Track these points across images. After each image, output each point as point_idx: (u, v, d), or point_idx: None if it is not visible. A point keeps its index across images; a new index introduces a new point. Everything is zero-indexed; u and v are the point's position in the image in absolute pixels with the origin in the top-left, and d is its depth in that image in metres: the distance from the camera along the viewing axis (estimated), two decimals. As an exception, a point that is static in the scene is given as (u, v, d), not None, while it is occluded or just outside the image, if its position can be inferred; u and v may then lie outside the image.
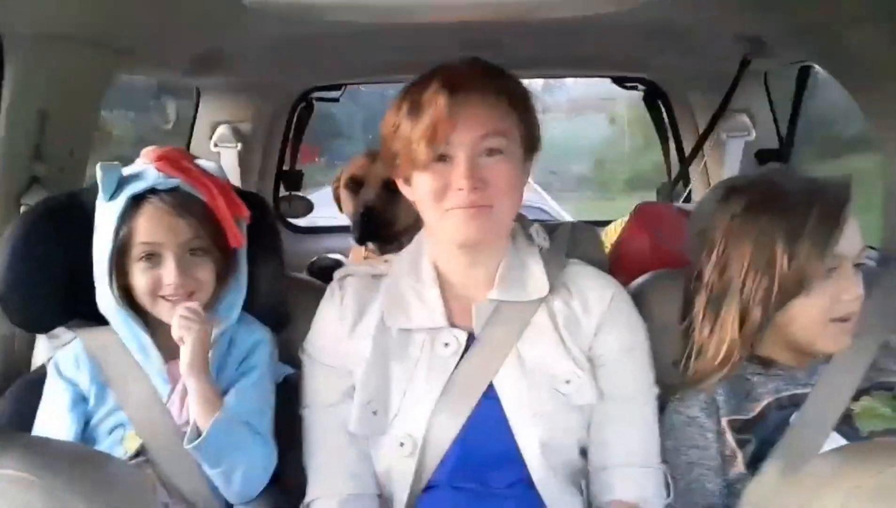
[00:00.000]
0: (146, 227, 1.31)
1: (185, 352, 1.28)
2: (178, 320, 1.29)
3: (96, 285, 1.35)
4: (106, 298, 1.34)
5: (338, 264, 2.15)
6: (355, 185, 2.14)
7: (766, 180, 1.38)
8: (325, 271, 2.20)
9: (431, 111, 1.22)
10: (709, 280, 1.36)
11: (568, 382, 1.28)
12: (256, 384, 1.38)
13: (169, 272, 1.31)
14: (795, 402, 1.32)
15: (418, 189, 1.28)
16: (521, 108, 1.29)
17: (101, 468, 0.70)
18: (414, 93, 1.27)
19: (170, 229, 1.31)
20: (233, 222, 1.38)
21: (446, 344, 1.30)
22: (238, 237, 1.39)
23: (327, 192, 2.51)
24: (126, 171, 1.35)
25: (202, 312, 1.31)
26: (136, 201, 1.31)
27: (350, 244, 2.34)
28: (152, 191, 1.32)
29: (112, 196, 1.32)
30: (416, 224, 2.07)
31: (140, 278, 1.32)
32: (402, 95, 1.29)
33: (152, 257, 1.32)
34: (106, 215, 1.33)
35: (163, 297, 1.33)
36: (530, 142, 1.32)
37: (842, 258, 1.29)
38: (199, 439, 1.25)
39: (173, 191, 1.33)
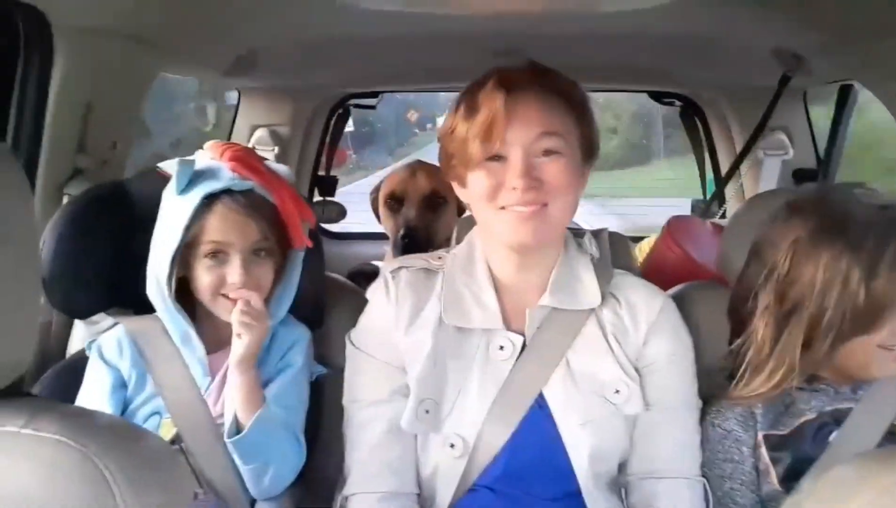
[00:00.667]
0: (217, 226, 1.32)
1: (241, 347, 1.29)
2: (239, 316, 1.29)
3: (149, 274, 1.36)
4: (158, 288, 1.35)
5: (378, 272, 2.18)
6: (395, 202, 2.15)
7: (830, 202, 1.32)
8: (366, 278, 2.24)
9: (487, 109, 1.21)
10: (769, 302, 1.31)
11: (617, 391, 1.27)
12: (293, 381, 1.39)
13: (234, 272, 1.32)
14: (837, 418, 1.29)
15: (472, 188, 1.27)
16: (580, 110, 1.28)
17: (138, 439, 0.72)
18: (470, 94, 1.26)
19: (240, 229, 1.32)
20: (300, 225, 1.39)
21: (501, 347, 1.29)
22: (304, 239, 1.40)
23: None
24: (198, 166, 1.35)
25: (264, 309, 1.32)
26: (209, 198, 1.32)
27: (382, 251, 2.35)
28: (226, 190, 1.33)
29: (183, 193, 1.33)
30: (448, 233, 2.09)
31: (204, 276, 1.33)
32: (459, 97, 1.29)
33: (218, 256, 1.33)
34: (175, 209, 1.33)
35: (224, 295, 1.34)
36: (588, 146, 1.30)
37: None
38: (240, 434, 1.26)
39: (246, 192, 1.34)
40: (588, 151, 1.30)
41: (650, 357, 1.31)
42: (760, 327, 1.31)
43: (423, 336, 1.31)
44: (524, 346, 1.29)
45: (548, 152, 1.23)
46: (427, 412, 1.27)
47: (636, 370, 1.30)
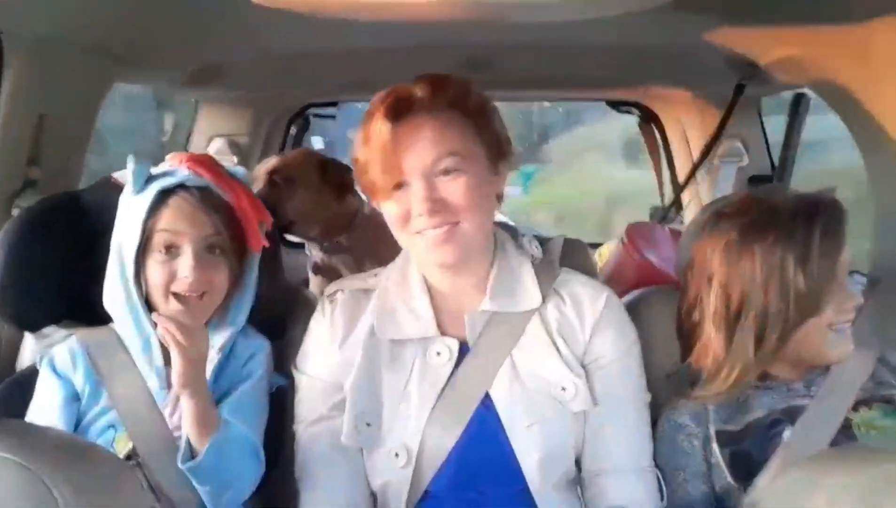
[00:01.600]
0: (169, 218, 1.31)
1: (176, 368, 1.24)
2: (162, 330, 1.24)
3: (108, 280, 1.34)
4: (118, 293, 1.33)
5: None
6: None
7: (754, 201, 1.38)
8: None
9: (378, 142, 1.23)
10: (715, 307, 1.35)
11: (564, 389, 1.28)
12: (252, 393, 1.37)
13: (185, 266, 1.31)
14: (791, 415, 1.32)
15: (386, 215, 1.29)
16: (479, 117, 1.28)
17: (90, 457, 0.70)
18: (365, 122, 1.27)
19: (192, 221, 1.32)
20: (256, 225, 1.39)
21: (438, 353, 1.30)
22: (260, 240, 1.40)
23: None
24: (155, 170, 1.36)
25: (191, 322, 1.27)
26: (164, 195, 1.32)
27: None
28: (181, 186, 1.33)
29: (140, 191, 1.33)
30: (329, 220, 2.08)
31: (156, 270, 1.32)
32: (362, 121, 1.29)
33: (171, 250, 1.32)
34: (133, 207, 1.33)
35: (175, 295, 1.32)
36: (496, 149, 1.30)
37: (842, 268, 1.31)
38: (194, 461, 1.23)
39: (201, 188, 1.35)
40: (496, 153, 1.30)
41: (596, 353, 1.32)
42: (712, 333, 1.35)
43: (356, 352, 1.32)
44: (462, 350, 1.30)
45: (447, 172, 1.23)
46: (368, 425, 1.28)
47: (583, 366, 1.31)
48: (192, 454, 1.25)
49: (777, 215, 1.31)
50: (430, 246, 1.25)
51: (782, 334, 1.30)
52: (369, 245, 1.94)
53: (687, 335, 1.42)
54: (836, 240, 1.29)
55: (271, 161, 2.11)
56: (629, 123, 3.23)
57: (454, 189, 1.23)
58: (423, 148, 1.22)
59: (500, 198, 1.35)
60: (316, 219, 2.11)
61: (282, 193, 2.05)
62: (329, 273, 2.19)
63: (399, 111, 1.23)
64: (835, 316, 1.31)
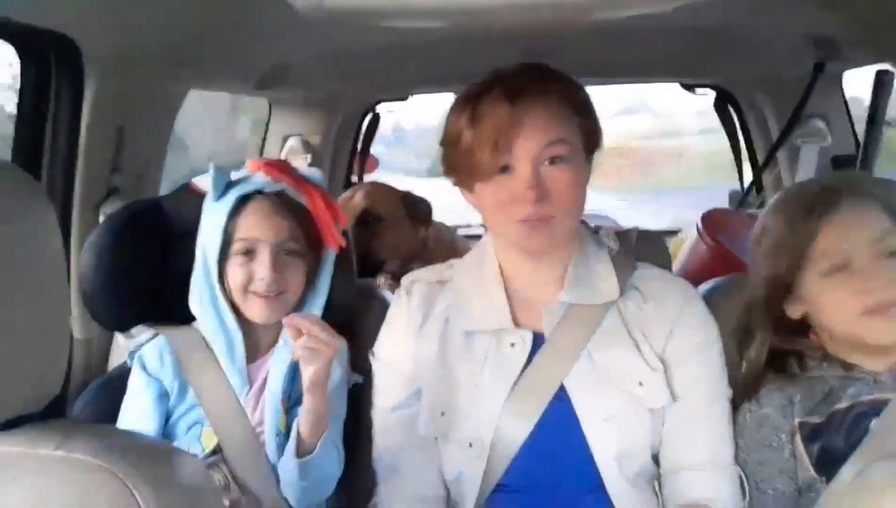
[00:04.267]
0: (248, 223, 1.37)
1: (309, 375, 1.29)
2: (304, 341, 1.28)
3: (193, 282, 1.41)
4: (204, 295, 1.39)
5: None
6: None
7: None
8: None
9: (493, 121, 1.21)
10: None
11: (641, 384, 1.25)
12: (333, 392, 1.39)
13: (262, 267, 1.36)
14: (877, 407, 1.26)
15: (482, 198, 1.27)
16: (582, 110, 1.28)
17: (170, 459, 0.72)
18: (474, 101, 1.25)
19: (269, 226, 1.37)
20: (332, 224, 1.44)
21: (512, 344, 1.29)
22: (338, 237, 1.45)
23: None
24: (234, 176, 1.42)
25: (329, 336, 1.30)
26: (243, 201, 1.38)
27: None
28: (259, 192, 1.39)
29: (219, 198, 1.39)
30: (407, 252, 2.09)
31: (235, 272, 1.37)
32: (461, 102, 1.27)
33: (249, 253, 1.37)
34: (214, 214, 1.39)
35: (254, 293, 1.37)
36: (591, 143, 1.30)
37: None
38: (309, 457, 1.28)
39: (278, 194, 1.40)
40: (591, 145, 1.30)
41: (676, 348, 1.29)
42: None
43: (431, 343, 1.32)
44: (536, 342, 1.29)
45: (554, 160, 1.22)
46: (443, 414, 1.28)
47: (662, 361, 1.28)
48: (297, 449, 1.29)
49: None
50: (525, 232, 1.24)
51: None
52: None
53: (779, 314, 1.38)
54: None
55: (355, 201, 2.12)
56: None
57: (559, 179, 1.22)
58: (539, 130, 1.21)
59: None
60: (400, 253, 2.13)
61: (372, 233, 2.08)
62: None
63: (516, 92, 1.21)
64: None
